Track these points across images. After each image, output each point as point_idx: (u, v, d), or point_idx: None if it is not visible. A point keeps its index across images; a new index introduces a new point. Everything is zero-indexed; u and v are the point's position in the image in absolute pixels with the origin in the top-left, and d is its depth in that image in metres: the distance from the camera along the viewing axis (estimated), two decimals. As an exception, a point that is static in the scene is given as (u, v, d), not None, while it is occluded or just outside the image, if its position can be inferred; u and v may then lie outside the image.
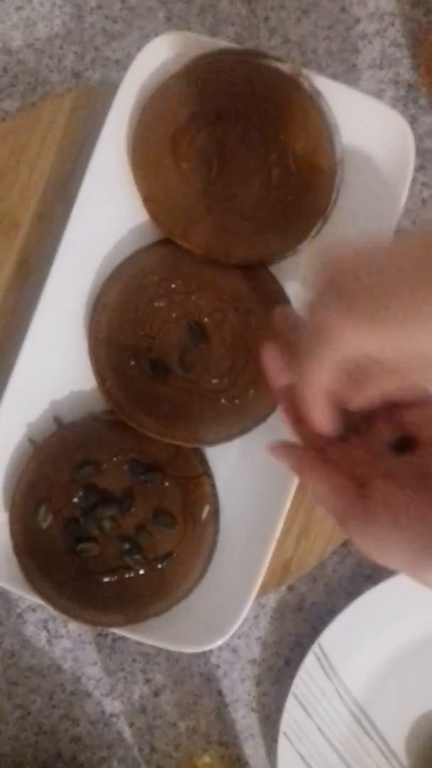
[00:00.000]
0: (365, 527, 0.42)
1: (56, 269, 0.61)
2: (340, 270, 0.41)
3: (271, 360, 0.47)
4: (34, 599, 0.61)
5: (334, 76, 0.64)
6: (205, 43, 0.61)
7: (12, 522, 0.61)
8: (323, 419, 0.45)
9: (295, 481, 0.59)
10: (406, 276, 0.39)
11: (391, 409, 0.46)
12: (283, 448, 0.48)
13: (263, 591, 0.61)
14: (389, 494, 0.42)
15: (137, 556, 0.60)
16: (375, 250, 0.42)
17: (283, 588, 0.64)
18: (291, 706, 0.62)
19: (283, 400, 0.48)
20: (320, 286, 0.41)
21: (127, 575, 0.60)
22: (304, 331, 0.42)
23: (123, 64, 0.65)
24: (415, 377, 0.42)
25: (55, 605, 0.60)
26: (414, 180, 0.62)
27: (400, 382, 0.42)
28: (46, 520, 0.60)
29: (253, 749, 0.65)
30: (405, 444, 0.45)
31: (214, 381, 0.61)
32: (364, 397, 0.44)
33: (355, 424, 0.47)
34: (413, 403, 0.45)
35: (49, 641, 0.65)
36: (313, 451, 0.47)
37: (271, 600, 0.65)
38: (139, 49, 0.61)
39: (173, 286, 0.61)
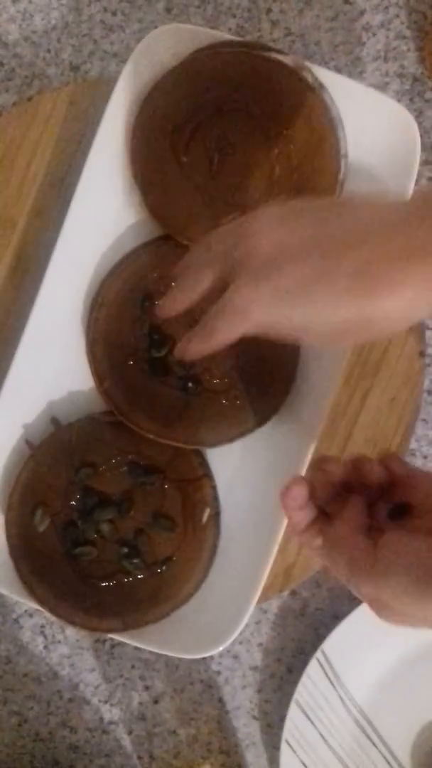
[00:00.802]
0: (372, 568, 0.44)
1: (53, 266, 0.60)
2: (250, 252, 0.45)
3: (293, 499, 0.49)
4: (31, 604, 0.60)
5: (338, 69, 0.64)
6: (205, 35, 0.60)
7: (8, 525, 0.60)
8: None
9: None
10: (303, 251, 0.44)
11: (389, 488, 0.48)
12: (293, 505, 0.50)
13: (265, 596, 0.61)
14: (395, 537, 0.44)
15: (136, 561, 0.59)
16: (285, 222, 0.46)
17: (286, 593, 0.64)
18: (293, 713, 0.61)
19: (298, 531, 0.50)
20: (234, 259, 0.46)
21: (125, 580, 0.60)
22: (218, 301, 0.46)
23: (122, 57, 0.65)
24: (306, 337, 0.47)
25: (52, 610, 0.60)
26: (420, 174, 0.62)
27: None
28: (43, 523, 0.60)
29: (254, 757, 0.65)
30: (400, 512, 0.47)
31: (215, 381, 0.60)
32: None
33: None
34: (409, 482, 0.48)
35: (46, 647, 0.65)
36: (319, 514, 0.49)
37: (273, 605, 0.64)
38: (138, 41, 0.61)
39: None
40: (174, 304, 0.50)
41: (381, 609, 0.44)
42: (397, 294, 0.42)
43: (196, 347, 0.48)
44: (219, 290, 0.47)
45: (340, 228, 0.44)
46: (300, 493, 0.49)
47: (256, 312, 0.45)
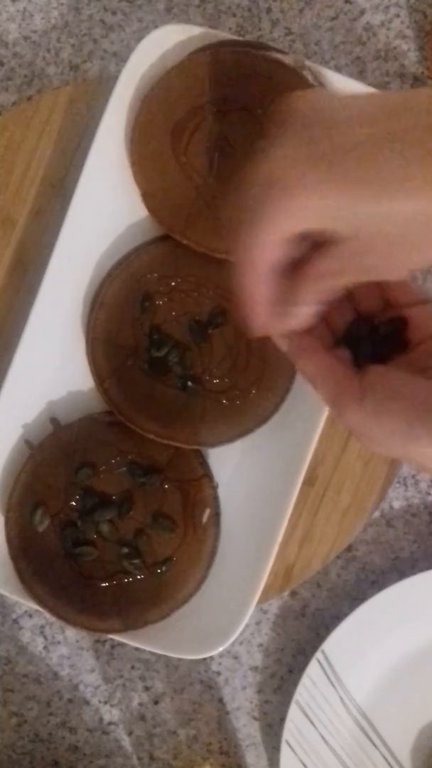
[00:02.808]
0: (359, 403, 0.39)
1: (53, 266, 0.60)
2: (307, 109, 0.33)
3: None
4: (31, 605, 0.60)
5: (338, 69, 0.64)
6: (205, 35, 0.60)
7: (8, 525, 0.60)
8: (263, 312, 0.37)
9: (299, 484, 0.59)
10: (388, 130, 0.31)
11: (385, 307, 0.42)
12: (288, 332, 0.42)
13: (265, 596, 0.61)
14: (385, 373, 0.39)
15: (136, 561, 0.59)
16: (354, 97, 0.34)
17: (286, 593, 0.63)
18: (294, 714, 0.61)
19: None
20: (280, 127, 0.33)
21: (125, 580, 0.59)
22: (251, 184, 0.33)
23: (122, 57, 0.65)
24: (384, 261, 0.34)
25: (51, 611, 0.59)
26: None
27: (364, 270, 0.36)
28: (42, 523, 0.60)
29: (254, 758, 0.64)
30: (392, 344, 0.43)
31: (215, 381, 0.60)
32: (317, 294, 0.37)
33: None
34: (410, 300, 0.41)
35: (45, 648, 0.65)
36: (314, 338, 0.43)
37: (274, 606, 0.64)
38: (138, 41, 0.60)
39: (173, 283, 0.60)
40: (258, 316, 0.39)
41: (365, 441, 0.40)
42: None
43: (240, 273, 0.35)
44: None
45: (404, 96, 0.33)
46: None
47: (309, 181, 0.31)
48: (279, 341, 0.43)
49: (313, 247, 0.35)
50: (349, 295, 0.43)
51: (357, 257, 0.34)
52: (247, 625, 0.60)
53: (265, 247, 0.33)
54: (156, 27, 0.60)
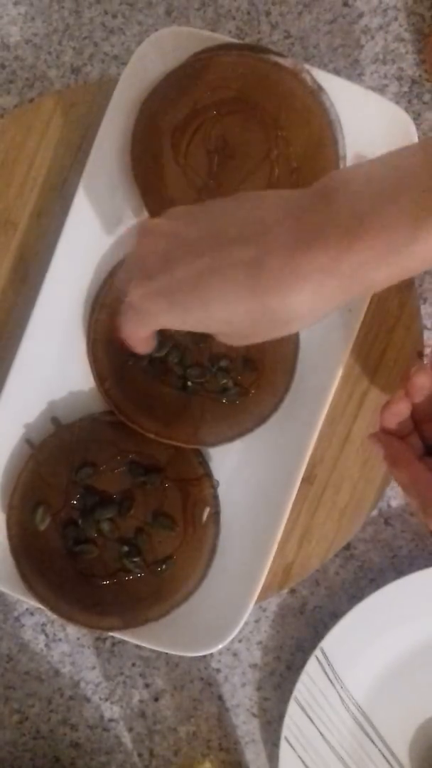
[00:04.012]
0: None
1: (54, 267, 0.60)
2: (146, 249, 0.44)
3: (397, 413, 0.50)
4: (32, 602, 0.60)
5: (337, 72, 0.64)
6: (205, 38, 0.60)
7: (9, 524, 0.60)
8: (145, 348, 0.50)
9: (297, 483, 0.59)
10: (205, 268, 0.42)
11: None
12: (383, 438, 0.50)
13: (264, 594, 0.61)
14: None
15: (136, 559, 0.59)
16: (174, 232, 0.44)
17: (285, 591, 0.64)
18: (293, 711, 0.61)
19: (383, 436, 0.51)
20: (134, 261, 0.45)
21: (126, 578, 0.60)
22: (125, 303, 0.46)
23: (122, 60, 0.65)
24: (226, 340, 0.46)
25: (53, 608, 0.60)
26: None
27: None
28: (43, 522, 0.60)
29: (254, 755, 0.65)
30: None
31: (215, 381, 0.60)
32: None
33: None
34: None
35: (47, 645, 0.65)
36: (408, 449, 0.50)
37: (273, 604, 0.64)
38: (138, 44, 0.61)
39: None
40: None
41: None
42: (298, 286, 0.40)
43: (127, 342, 0.49)
44: None
45: (238, 219, 0.42)
46: (401, 409, 0.49)
47: (152, 310, 0.43)
48: (377, 449, 0.50)
49: None
50: None
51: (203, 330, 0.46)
52: (246, 623, 0.60)
53: (136, 335, 0.48)
54: (156, 30, 0.61)
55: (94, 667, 0.65)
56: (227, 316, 0.42)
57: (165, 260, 0.43)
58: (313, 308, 0.41)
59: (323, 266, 0.40)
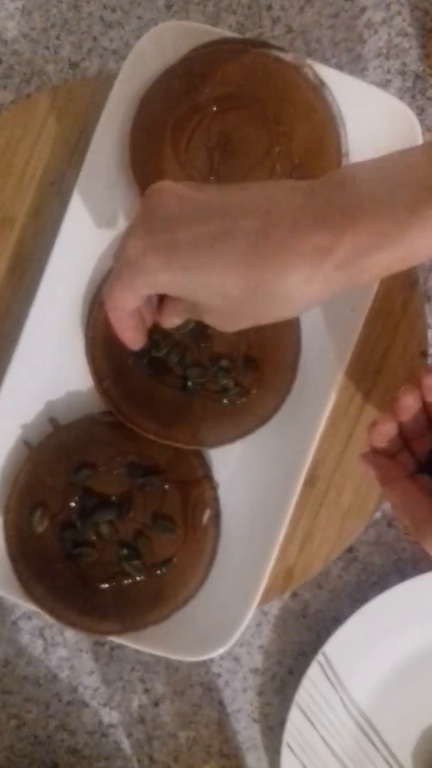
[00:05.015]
0: None
1: (52, 266, 0.60)
2: (153, 206, 0.44)
3: (385, 433, 0.51)
4: (30, 606, 0.60)
5: (339, 67, 0.63)
6: (205, 32, 0.60)
7: (7, 526, 0.60)
8: (131, 336, 0.51)
9: (299, 485, 0.58)
10: (212, 233, 0.43)
11: None
12: (375, 458, 0.52)
13: (266, 598, 0.60)
14: None
15: (136, 562, 0.59)
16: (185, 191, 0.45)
17: (287, 595, 0.63)
18: (294, 716, 0.61)
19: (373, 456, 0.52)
20: (138, 216, 0.45)
21: (125, 582, 0.59)
22: (118, 255, 0.46)
23: (121, 54, 0.64)
24: (214, 322, 0.48)
25: (51, 612, 0.59)
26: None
27: (191, 305, 0.47)
28: (41, 524, 0.59)
29: (255, 761, 0.64)
30: None
31: (216, 381, 0.60)
32: (170, 319, 0.52)
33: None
34: None
35: (45, 650, 0.64)
36: (400, 468, 0.51)
37: (274, 607, 0.64)
38: (137, 38, 0.60)
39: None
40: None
41: None
42: (295, 262, 0.41)
43: (111, 319, 0.49)
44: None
45: (247, 194, 0.44)
46: (388, 429, 0.50)
47: (150, 264, 0.43)
48: (367, 469, 0.51)
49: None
50: (431, 425, 0.51)
51: (195, 313, 0.48)
52: (247, 627, 0.59)
53: (122, 302, 0.47)
54: (156, 24, 0.60)
55: (92, 672, 0.64)
56: (221, 284, 0.43)
57: (170, 219, 0.43)
58: (307, 291, 0.42)
59: (320, 247, 0.41)
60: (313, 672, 0.61)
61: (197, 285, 0.44)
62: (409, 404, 0.50)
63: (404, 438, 0.52)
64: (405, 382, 0.50)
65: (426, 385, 0.50)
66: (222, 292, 0.43)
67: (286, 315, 0.44)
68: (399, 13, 0.64)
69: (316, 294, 0.43)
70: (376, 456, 0.52)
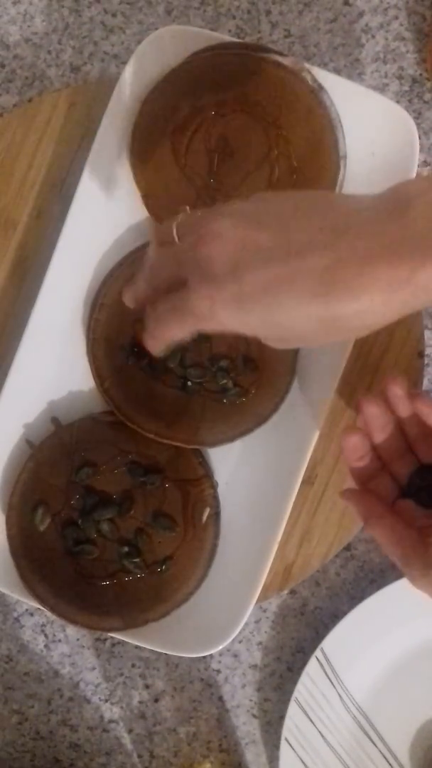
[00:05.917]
0: (426, 570, 0.47)
1: (54, 267, 0.60)
2: (212, 255, 0.43)
3: (353, 447, 0.51)
4: (32, 603, 0.60)
5: (337, 71, 0.64)
6: (205, 37, 0.60)
7: (9, 525, 0.60)
8: (156, 345, 0.48)
9: (298, 484, 0.59)
10: (280, 277, 0.41)
11: None
12: (355, 495, 0.52)
13: (265, 595, 0.61)
14: None
15: (136, 560, 0.59)
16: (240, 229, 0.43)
17: (285, 592, 0.63)
18: (293, 712, 0.61)
19: (355, 476, 0.53)
20: (193, 260, 0.43)
21: (126, 579, 0.59)
22: (168, 300, 0.44)
23: (122, 59, 0.65)
24: (268, 341, 0.46)
25: (52, 609, 0.59)
26: (418, 176, 0.62)
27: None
28: (43, 522, 0.60)
29: (254, 756, 0.64)
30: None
31: (215, 381, 0.60)
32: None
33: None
34: None
35: (46, 646, 0.65)
36: (381, 503, 0.51)
37: (273, 604, 0.64)
38: (138, 43, 0.61)
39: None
40: (133, 294, 0.48)
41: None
42: (366, 297, 0.40)
43: (147, 342, 0.47)
44: (177, 284, 0.44)
45: (306, 228, 0.42)
46: (359, 442, 0.50)
47: (219, 315, 0.42)
48: (351, 505, 0.51)
49: None
50: (411, 446, 0.51)
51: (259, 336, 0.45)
52: (246, 624, 0.60)
53: (171, 338, 0.46)
54: (156, 29, 0.60)
55: (93, 668, 0.65)
56: (292, 322, 0.42)
57: (234, 266, 0.42)
58: (381, 319, 0.41)
59: (397, 279, 0.39)
60: (312, 668, 0.61)
61: (265, 324, 0.42)
62: (374, 413, 0.50)
63: (383, 461, 0.52)
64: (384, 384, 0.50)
65: (391, 394, 0.49)
66: (292, 329, 0.42)
67: (356, 336, 0.44)
68: (396, 17, 0.64)
69: (388, 319, 0.41)
70: (357, 493, 0.52)
